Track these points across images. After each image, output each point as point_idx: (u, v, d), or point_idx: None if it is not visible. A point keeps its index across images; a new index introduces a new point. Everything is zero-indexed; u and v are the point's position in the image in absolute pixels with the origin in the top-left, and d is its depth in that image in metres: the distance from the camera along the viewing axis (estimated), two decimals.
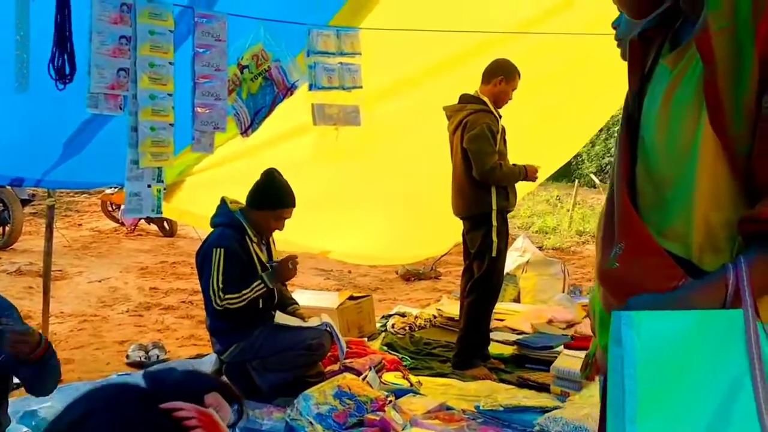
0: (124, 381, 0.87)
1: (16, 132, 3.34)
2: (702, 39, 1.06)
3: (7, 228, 7.79)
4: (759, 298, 0.99)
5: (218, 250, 3.46)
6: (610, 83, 5.46)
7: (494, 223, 4.04)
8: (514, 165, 4.10)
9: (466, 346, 4.20)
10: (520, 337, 4.60)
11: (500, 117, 4.15)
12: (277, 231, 3.74)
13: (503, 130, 4.15)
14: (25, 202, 8.08)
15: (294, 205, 3.62)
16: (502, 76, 4.07)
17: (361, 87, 3.36)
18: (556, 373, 3.70)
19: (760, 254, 1.01)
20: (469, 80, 4.19)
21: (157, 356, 4.44)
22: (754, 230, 1.02)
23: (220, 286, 3.42)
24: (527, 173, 4.14)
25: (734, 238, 1.06)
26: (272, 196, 3.60)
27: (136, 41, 2.59)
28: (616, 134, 17.54)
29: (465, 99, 4.14)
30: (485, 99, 4.09)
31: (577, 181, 14.79)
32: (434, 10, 3.80)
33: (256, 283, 3.49)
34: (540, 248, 7.93)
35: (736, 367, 0.94)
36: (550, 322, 5.01)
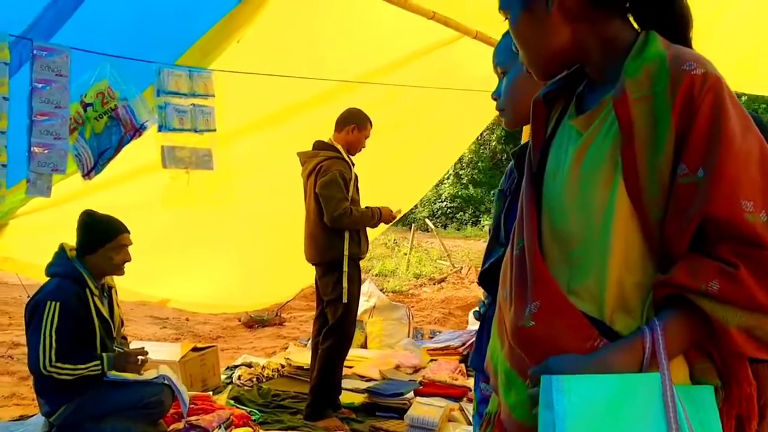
0: None
1: None
2: (620, 105, 1.09)
3: None
4: (672, 359, 1.03)
5: (53, 303, 3.14)
6: (451, 131, 5.77)
7: (345, 269, 4.03)
8: (367, 208, 4.14)
9: (319, 397, 4.11)
10: (370, 384, 4.59)
11: (353, 164, 4.18)
12: (117, 279, 3.47)
13: (356, 177, 4.19)
14: None
15: (127, 230, 3.39)
16: (354, 124, 4.14)
17: (214, 130, 3.23)
18: (410, 422, 3.71)
19: (672, 317, 1.05)
20: (322, 125, 4.21)
21: None
22: (668, 293, 1.06)
23: (53, 347, 3.10)
24: (381, 215, 4.18)
25: (644, 300, 1.10)
26: (102, 230, 3.38)
27: None
28: (446, 180, 18.44)
29: (319, 146, 4.15)
30: (338, 146, 4.12)
31: (412, 225, 15.30)
32: (288, 55, 3.79)
33: (93, 363, 3.21)
34: (382, 291, 8.04)
35: (656, 429, 0.97)
36: (397, 367, 5.06)
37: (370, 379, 4.79)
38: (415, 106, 4.93)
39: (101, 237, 3.34)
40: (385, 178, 5.18)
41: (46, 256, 3.45)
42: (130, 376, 3.39)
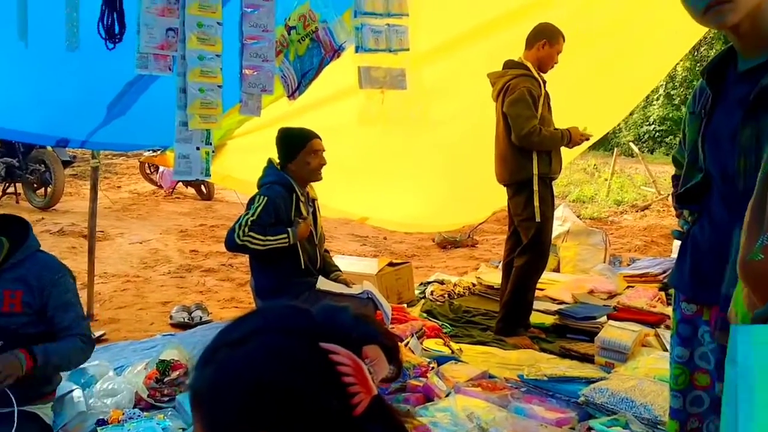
0: (299, 307, 0.89)
1: (62, 93, 3.35)
2: None
3: (49, 189, 7.92)
4: None
5: (262, 197, 3.48)
6: (656, 44, 5.33)
7: (536, 188, 3.98)
8: (556, 129, 4.02)
9: (511, 313, 4.18)
10: (561, 306, 4.56)
11: (545, 82, 4.05)
12: (321, 196, 3.73)
13: (547, 95, 4.06)
14: (66, 164, 8.20)
15: (318, 137, 3.62)
16: (545, 39, 3.99)
17: (407, 49, 3.27)
18: (601, 344, 3.65)
19: None
20: (514, 44, 4.10)
21: (200, 317, 4.50)
22: None
23: (248, 222, 3.42)
24: (571, 137, 4.05)
25: None
26: (294, 138, 3.63)
27: (184, 0, 2.55)
28: (655, 101, 17.03)
29: (508, 65, 4.08)
30: (528, 64, 4.01)
31: (615, 149, 14.52)
32: None
33: (281, 235, 3.47)
34: (578, 217, 7.82)
35: None
36: (591, 292, 4.96)
37: (561, 302, 4.75)
38: (615, 18, 4.60)
39: (296, 144, 3.60)
40: (581, 98, 4.95)
41: (258, 173, 3.78)
42: (338, 288, 3.66)
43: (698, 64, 20.12)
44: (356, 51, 3.14)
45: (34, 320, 2.44)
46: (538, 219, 4.00)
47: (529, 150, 3.97)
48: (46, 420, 2.53)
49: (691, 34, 5.53)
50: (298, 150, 3.58)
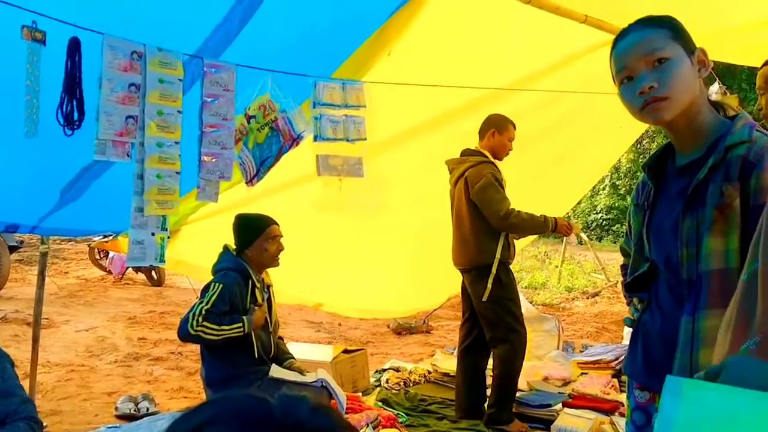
0: (257, 396, 0.83)
1: (16, 178, 3.30)
2: None
3: None
4: None
5: (217, 284, 3.43)
6: (602, 137, 5.58)
7: (493, 271, 4.03)
8: (541, 215, 4.10)
9: (505, 400, 4.11)
10: (517, 394, 4.52)
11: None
12: (276, 281, 3.70)
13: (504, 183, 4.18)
14: (12, 249, 8.00)
15: (276, 222, 3.61)
16: (494, 129, 4.17)
17: (365, 139, 3.37)
18: None
19: None
20: (470, 134, 4.25)
21: (147, 408, 4.33)
22: None
23: (203, 312, 3.35)
24: (557, 224, 4.12)
25: None
26: (252, 224, 3.62)
27: (145, 89, 2.58)
28: (602, 191, 17.53)
29: (466, 152, 4.22)
30: (485, 152, 4.14)
31: (564, 237, 14.85)
32: (436, 65, 3.86)
33: (236, 324, 3.41)
34: (531, 303, 7.89)
35: None
36: (545, 379, 4.96)
37: (518, 390, 4.73)
38: (566, 112, 4.84)
39: (254, 230, 3.60)
40: (534, 188, 5.11)
41: (212, 259, 3.74)
42: (292, 376, 3.59)
43: (641, 156, 21.03)
44: (315, 140, 3.22)
45: None
46: (489, 301, 4.03)
47: (495, 234, 4.03)
48: None
49: (634, 128, 5.82)
50: (256, 236, 3.57)
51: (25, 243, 9.22)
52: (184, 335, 3.40)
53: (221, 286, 3.43)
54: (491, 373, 4.40)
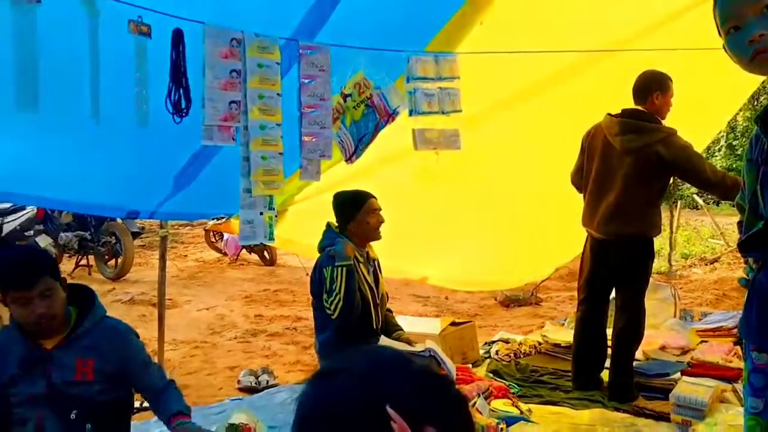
0: (398, 363, 0.91)
1: (132, 166, 3.52)
2: None
3: (119, 260, 8.21)
4: None
5: (327, 269, 3.53)
6: (714, 95, 5.26)
7: (650, 247, 3.96)
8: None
9: (628, 377, 4.05)
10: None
11: None
12: (382, 256, 3.77)
13: None
14: (135, 235, 8.50)
15: (374, 196, 3.68)
16: (657, 91, 3.90)
17: (460, 111, 3.35)
18: (676, 401, 3.51)
19: None
20: (568, 99, 4.12)
21: (267, 381, 4.54)
22: None
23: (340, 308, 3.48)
24: None
25: None
26: (351, 200, 3.69)
27: (245, 74, 2.68)
28: (717, 153, 16.56)
29: (644, 116, 3.89)
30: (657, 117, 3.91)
31: (678, 202, 14.18)
32: (531, 32, 3.77)
33: None
34: None
35: None
36: (662, 348, 4.80)
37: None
38: (671, 72, 4.60)
39: (354, 205, 3.67)
40: None
41: (317, 236, 3.85)
42: (401, 347, 3.66)
43: None
44: (410, 114, 3.24)
45: (106, 388, 2.48)
46: (644, 272, 3.97)
47: (658, 205, 3.93)
48: None
49: (749, 84, 5.46)
50: (356, 211, 3.64)
51: (145, 229, 9.81)
52: (324, 335, 3.65)
53: (329, 270, 3.53)
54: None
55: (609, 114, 3.98)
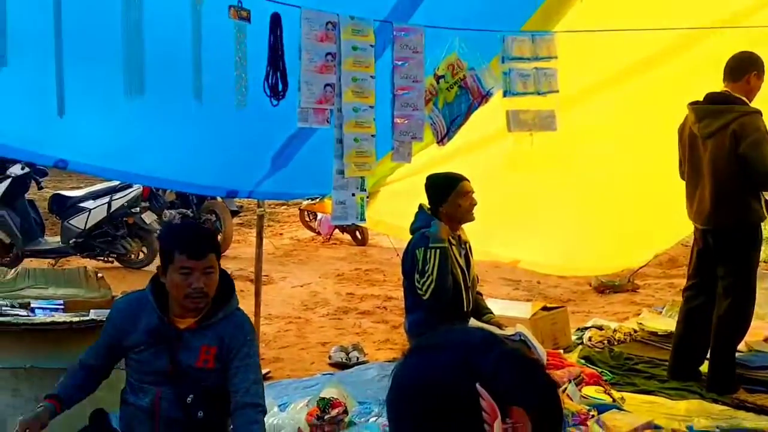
0: (490, 342, 0.93)
1: (232, 147, 3.65)
2: None
3: (219, 237, 8.53)
4: None
5: (419, 251, 3.55)
6: None
7: (757, 235, 3.80)
8: None
9: (727, 367, 3.90)
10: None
11: None
12: (473, 239, 3.76)
13: None
14: (234, 213, 8.80)
15: (466, 179, 3.63)
16: (755, 71, 3.71)
17: (557, 91, 3.28)
18: None
19: None
20: (671, 79, 3.95)
21: (357, 358, 4.63)
22: None
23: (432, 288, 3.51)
24: None
25: None
26: (443, 182, 3.67)
27: (340, 57, 2.72)
28: None
29: (720, 98, 3.74)
30: (741, 98, 3.71)
31: None
32: (633, 8, 3.63)
33: None
34: None
35: None
36: (767, 339, 4.57)
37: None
38: None
39: (447, 187, 3.65)
40: None
41: (408, 218, 3.88)
42: (491, 330, 3.65)
43: None
44: (504, 95, 3.20)
45: (221, 378, 2.47)
46: (749, 262, 3.82)
47: (758, 192, 3.73)
48: None
49: None
50: (448, 193, 3.63)
51: (243, 208, 10.12)
52: (414, 316, 3.69)
53: (421, 251, 3.54)
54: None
55: (689, 103, 3.82)
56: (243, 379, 2.44)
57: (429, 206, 3.75)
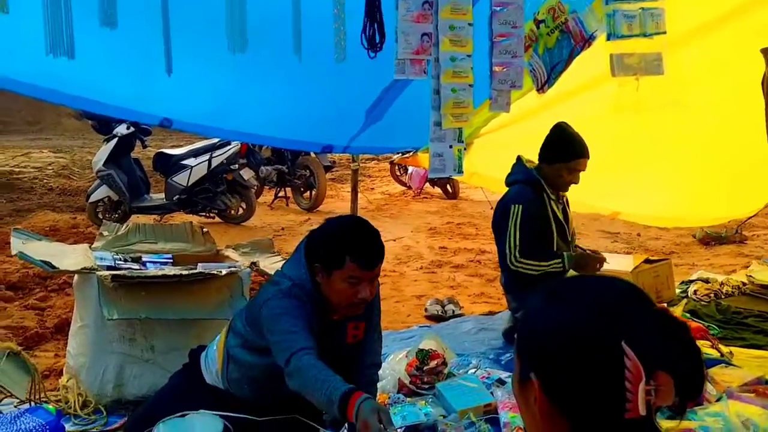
0: (640, 300, 0.91)
1: (327, 102, 3.67)
2: None
3: (313, 192, 8.69)
4: None
5: (516, 206, 3.48)
6: None
7: None
8: None
9: None
10: None
11: None
12: (570, 190, 3.65)
13: None
14: (327, 169, 8.93)
15: (588, 156, 3.51)
16: None
17: (664, 32, 3.09)
18: None
19: None
20: None
21: (453, 311, 4.65)
22: None
23: (517, 245, 3.45)
24: None
25: None
26: (565, 147, 3.53)
27: (437, 5, 2.66)
28: None
29: None
30: None
31: None
32: None
33: (554, 261, 3.45)
34: None
35: None
36: None
37: None
38: None
39: (562, 153, 3.53)
40: None
41: (506, 169, 3.80)
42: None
43: None
44: (608, 39, 3.05)
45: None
46: None
47: None
48: None
49: None
50: (560, 159, 3.52)
51: (336, 163, 10.26)
52: (505, 269, 3.57)
53: (520, 207, 3.46)
54: None
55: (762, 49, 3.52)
56: (370, 339, 2.48)
57: (529, 159, 3.64)
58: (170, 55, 2.30)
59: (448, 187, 9.51)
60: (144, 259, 3.65)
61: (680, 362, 0.83)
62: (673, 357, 0.83)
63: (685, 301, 4.58)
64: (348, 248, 2.20)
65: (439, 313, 4.67)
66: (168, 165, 7.53)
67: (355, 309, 2.27)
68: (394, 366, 3.26)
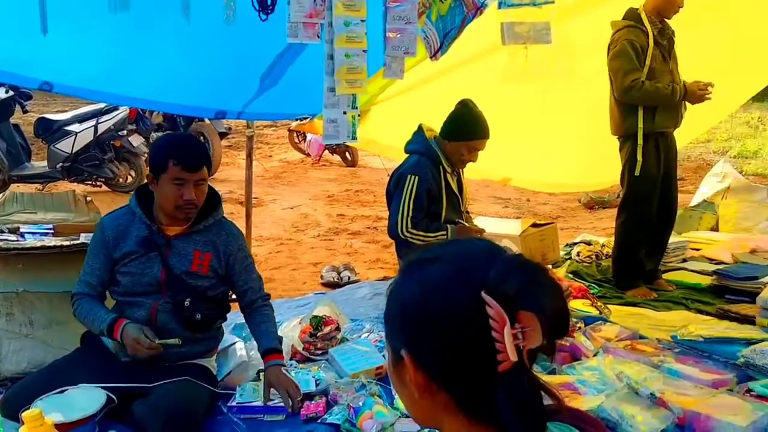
0: (492, 252, 0.90)
1: (220, 67, 3.57)
2: None
3: None
4: None
5: (413, 177, 3.52)
6: None
7: (640, 142, 3.94)
8: (670, 84, 3.86)
9: (621, 269, 4.24)
10: (719, 267, 4.31)
11: (667, 30, 3.90)
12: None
13: (667, 46, 3.90)
14: (222, 135, 8.72)
15: (488, 137, 3.59)
16: None
17: (553, 2, 3.19)
18: (764, 305, 3.43)
19: None
20: None
21: (348, 277, 4.69)
22: None
23: (410, 215, 3.49)
24: (687, 92, 3.88)
25: None
26: (467, 127, 3.58)
27: None
28: None
29: (624, 14, 3.96)
30: (642, 13, 3.87)
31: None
32: None
33: (439, 233, 3.53)
34: (741, 173, 7.30)
35: None
36: (753, 251, 4.66)
37: (720, 262, 4.50)
38: None
39: (464, 132, 3.58)
40: (730, 48, 4.58)
41: (402, 137, 3.84)
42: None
43: None
44: (499, 7, 3.11)
45: (215, 284, 2.63)
46: (636, 173, 3.98)
47: (632, 104, 3.89)
48: (212, 370, 2.73)
49: None
50: (463, 138, 3.57)
51: (232, 129, 10.02)
52: (395, 236, 3.61)
53: (416, 178, 3.51)
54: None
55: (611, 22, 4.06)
56: (248, 278, 2.69)
57: (431, 128, 3.68)
58: (45, 13, 2.17)
59: (347, 154, 9.51)
60: (22, 230, 3.44)
61: (541, 301, 0.84)
62: (533, 296, 0.84)
63: (568, 262, 4.81)
64: (170, 152, 2.45)
65: (335, 279, 4.70)
66: (51, 131, 7.12)
67: (183, 212, 2.50)
68: (287, 333, 3.25)
